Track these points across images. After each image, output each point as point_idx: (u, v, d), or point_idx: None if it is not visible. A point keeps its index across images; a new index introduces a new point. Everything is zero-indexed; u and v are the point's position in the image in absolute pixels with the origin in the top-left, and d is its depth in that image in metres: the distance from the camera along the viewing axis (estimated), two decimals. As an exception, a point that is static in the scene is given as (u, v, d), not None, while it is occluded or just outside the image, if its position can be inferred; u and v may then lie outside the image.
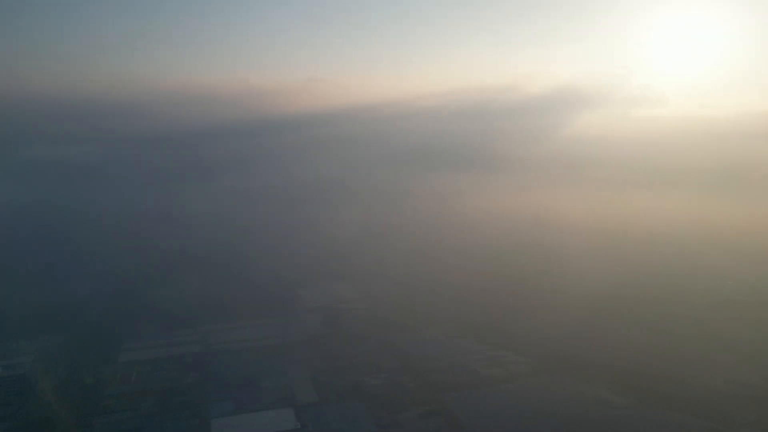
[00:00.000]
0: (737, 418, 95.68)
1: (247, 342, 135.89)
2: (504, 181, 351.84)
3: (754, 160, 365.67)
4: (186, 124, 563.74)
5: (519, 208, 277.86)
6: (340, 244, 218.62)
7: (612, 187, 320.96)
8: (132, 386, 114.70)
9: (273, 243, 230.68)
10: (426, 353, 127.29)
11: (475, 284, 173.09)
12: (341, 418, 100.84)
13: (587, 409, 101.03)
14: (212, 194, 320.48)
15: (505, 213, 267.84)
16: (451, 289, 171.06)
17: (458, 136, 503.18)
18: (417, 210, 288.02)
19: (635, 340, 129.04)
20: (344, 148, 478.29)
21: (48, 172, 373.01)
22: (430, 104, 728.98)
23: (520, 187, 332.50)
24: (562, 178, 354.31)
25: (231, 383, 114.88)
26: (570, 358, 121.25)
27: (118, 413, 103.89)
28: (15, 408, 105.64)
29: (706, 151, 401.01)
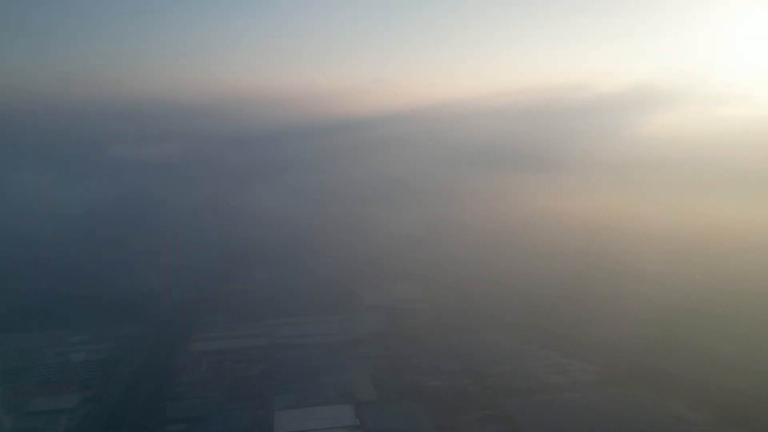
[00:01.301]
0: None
1: (310, 337, 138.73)
2: (573, 183, 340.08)
3: None
4: (258, 125, 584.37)
5: (589, 211, 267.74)
6: (403, 244, 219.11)
7: (692, 190, 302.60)
8: (201, 375, 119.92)
9: (338, 241, 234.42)
10: (488, 357, 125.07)
11: (540, 288, 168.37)
12: (400, 418, 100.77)
13: (659, 425, 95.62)
14: (281, 193, 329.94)
15: (573, 216, 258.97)
16: (514, 292, 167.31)
17: (524, 136, 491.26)
18: (481, 211, 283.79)
19: (716, 353, 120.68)
20: (409, 148, 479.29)
21: (130, 170, 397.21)
22: (496, 104, 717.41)
23: (590, 190, 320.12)
24: (636, 180, 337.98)
25: (294, 377, 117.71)
26: (641, 369, 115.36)
27: (189, 400, 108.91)
28: (97, 391, 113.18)
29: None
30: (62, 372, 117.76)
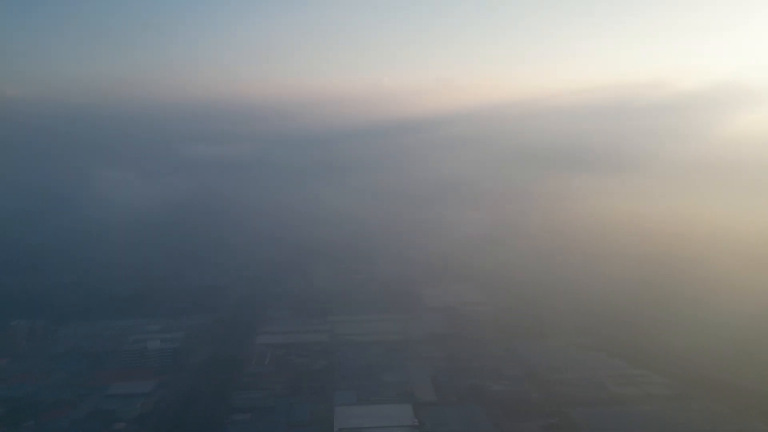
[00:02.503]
0: None
1: (371, 335, 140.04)
2: (648, 185, 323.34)
3: None
4: (324, 125, 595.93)
5: (665, 214, 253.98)
6: (464, 245, 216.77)
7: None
8: (266, 368, 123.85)
9: (399, 241, 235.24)
10: (552, 363, 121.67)
11: (609, 294, 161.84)
12: (460, 420, 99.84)
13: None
14: (346, 192, 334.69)
15: (647, 220, 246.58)
16: (581, 298, 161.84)
17: (595, 136, 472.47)
18: (548, 213, 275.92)
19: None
20: (474, 148, 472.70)
21: (203, 169, 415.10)
22: (566, 102, 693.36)
23: (667, 193, 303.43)
24: (718, 183, 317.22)
25: (354, 374, 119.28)
26: (719, 384, 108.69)
27: (254, 391, 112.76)
28: (170, 377, 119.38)
29: None
30: (139, 358, 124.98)
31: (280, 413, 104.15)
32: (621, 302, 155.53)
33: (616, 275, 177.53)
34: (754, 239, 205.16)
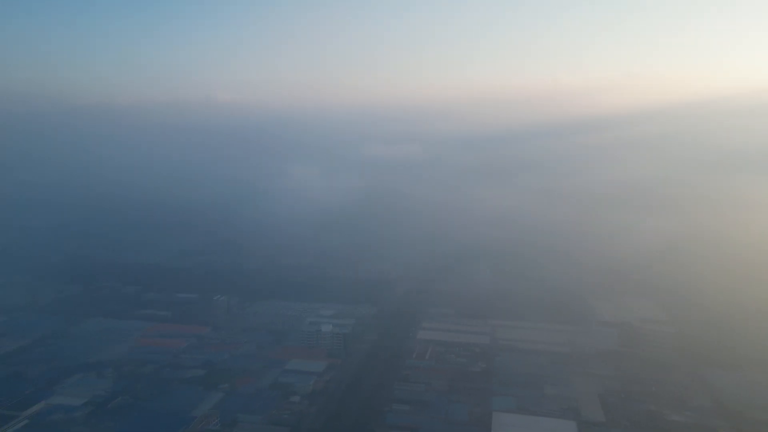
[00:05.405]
0: None
1: (534, 344, 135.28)
2: None
3: None
4: (497, 125, 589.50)
5: None
6: (645, 255, 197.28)
7: None
8: (426, 363, 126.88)
9: (571, 246, 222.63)
10: (747, 398, 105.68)
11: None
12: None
13: None
14: (515, 193, 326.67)
15: None
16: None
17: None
18: (740, 223, 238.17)
19: None
20: (659, 148, 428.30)
21: (377, 167, 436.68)
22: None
23: None
24: None
25: (514, 381, 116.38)
26: None
27: (414, 384, 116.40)
28: (340, 360, 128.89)
29: None
30: (314, 339, 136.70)
31: (438, 409, 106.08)
32: None
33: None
34: None
